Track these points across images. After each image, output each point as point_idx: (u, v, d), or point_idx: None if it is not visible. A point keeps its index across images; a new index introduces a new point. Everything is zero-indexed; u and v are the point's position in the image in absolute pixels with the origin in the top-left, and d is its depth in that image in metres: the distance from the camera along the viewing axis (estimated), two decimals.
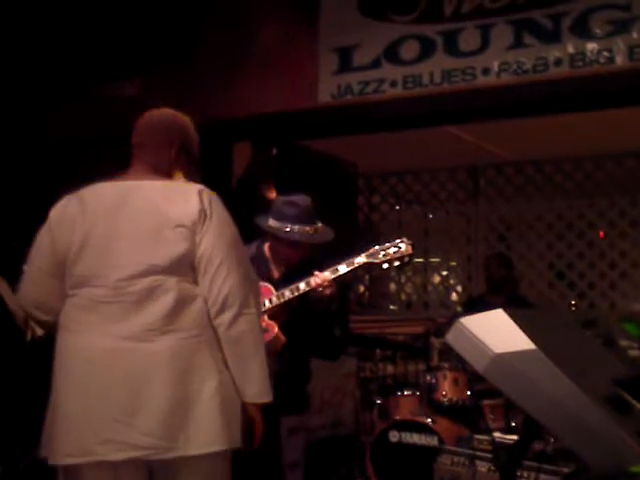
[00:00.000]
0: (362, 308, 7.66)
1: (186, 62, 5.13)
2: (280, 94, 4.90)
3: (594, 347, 2.01)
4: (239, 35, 5.03)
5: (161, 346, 2.20)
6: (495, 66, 4.35)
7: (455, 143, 6.26)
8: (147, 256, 2.26)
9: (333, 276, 3.20)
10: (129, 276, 2.24)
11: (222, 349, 2.28)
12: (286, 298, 3.23)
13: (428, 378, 4.56)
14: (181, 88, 4.92)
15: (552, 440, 3.07)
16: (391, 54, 4.63)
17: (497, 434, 3.86)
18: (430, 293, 7.74)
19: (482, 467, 3.65)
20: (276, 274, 3.40)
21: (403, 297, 7.84)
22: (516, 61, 4.31)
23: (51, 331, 2.37)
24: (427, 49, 4.53)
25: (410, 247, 3.23)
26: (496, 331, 1.59)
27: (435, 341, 4.73)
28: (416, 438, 4.28)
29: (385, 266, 3.24)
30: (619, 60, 4.07)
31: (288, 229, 3.28)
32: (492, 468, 3.60)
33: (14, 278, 2.44)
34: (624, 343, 2.15)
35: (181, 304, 2.24)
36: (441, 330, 4.64)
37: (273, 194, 4.94)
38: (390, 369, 5.79)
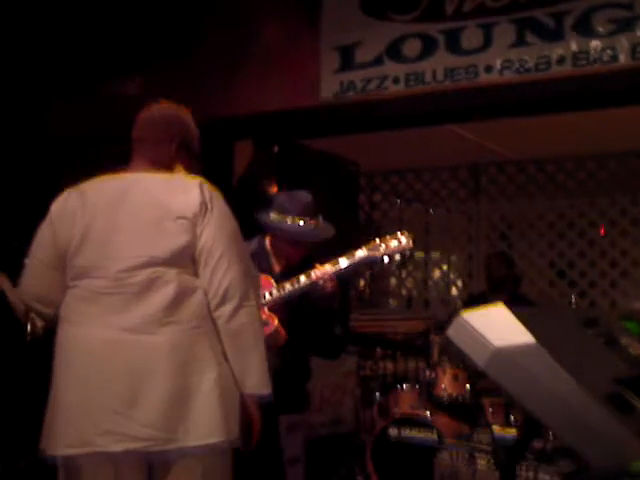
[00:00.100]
0: (362, 304, 7.66)
1: (187, 60, 5.13)
2: (281, 92, 4.90)
3: (595, 345, 2.01)
4: (240, 33, 5.03)
5: (161, 338, 2.21)
6: (498, 64, 4.35)
7: (457, 142, 6.25)
8: (148, 248, 2.26)
9: (334, 269, 3.20)
10: (130, 267, 2.24)
11: (221, 341, 2.28)
12: (287, 291, 3.22)
13: (428, 374, 4.57)
14: (182, 86, 4.92)
15: (552, 438, 3.07)
16: (393, 52, 4.63)
17: (496, 429, 3.86)
18: (430, 289, 7.74)
19: (482, 463, 3.65)
20: (277, 268, 3.40)
21: (404, 293, 7.85)
22: (519, 59, 4.30)
23: (52, 324, 2.38)
24: (429, 47, 4.53)
25: (410, 240, 3.23)
26: (497, 325, 1.59)
27: (435, 338, 4.73)
28: (415, 433, 4.29)
29: (386, 259, 3.24)
30: (622, 59, 4.07)
31: (289, 222, 3.28)
32: (492, 464, 3.60)
33: (15, 275, 2.45)
34: (625, 341, 2.15)
35: (181, 296, 2.25)
36: (441, 327, 4.64)
37: (274, 192, 4.94)
38: (390, 367, 5.79)
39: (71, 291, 2.32)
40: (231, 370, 2.28)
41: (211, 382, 2.23)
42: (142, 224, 2.28)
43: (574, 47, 4.19)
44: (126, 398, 2.17)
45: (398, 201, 7.74)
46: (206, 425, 2.21)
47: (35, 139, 5.41)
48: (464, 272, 7.62)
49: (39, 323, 2.40)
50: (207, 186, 2.33)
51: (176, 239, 2.26)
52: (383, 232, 3.30)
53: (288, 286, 3.23)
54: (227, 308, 2.26)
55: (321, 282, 3.17)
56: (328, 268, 3.19)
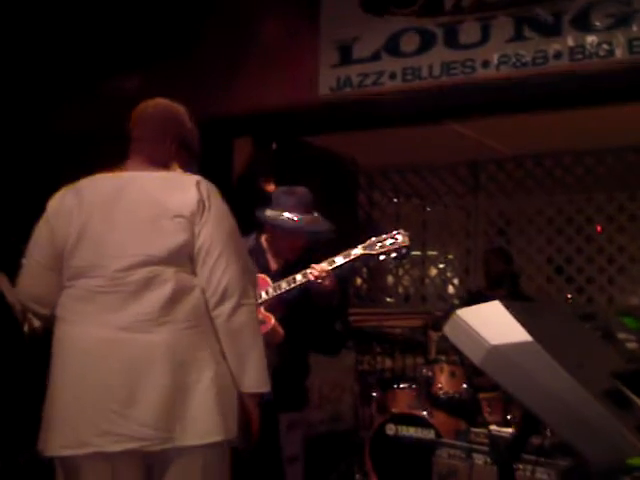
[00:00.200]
0: (360, 301, 7.67)
1: (187, 58, 5.13)
2: (280, 90, 4.89)
3: (592, 340, 2.01)
4: (240, 32, 5.02)
5: (158, 337, 2.20)
6: (495, 59, 4.34)
7: (456, 139, 6.26)
8: (145, 246, 2.25)
9: (330, 267, 3.19)
10: (127, 266, 2.23)
11: (219, 340, 2.27)
12: (283, 290, 3.21)
13: (425, 371, 4.56)
14: (182, 84, 4.92)
15: (549, 434, 3.07)
16: (391, 47, 4.62)
17: (494, 427, 3.87)
18: (427, 286, 7.74)
19: (479, 460, 3.65)
20: (274, 266, 3.39)
21: (401, 290, 7.85)
22: (515, 54, 4.30)
23: (49, 324, 2.37)
24: (427, 42, 4.52)
25: (407, 238, 3.22)
26: (493, 323, 1.59)
27: (433, 334, 4.73)
28: (413, 431, 4.29)
29: (382, 257, 3.24)
30: (619, 53, 4.06)
31: (284, 216, 3.27)
32: (489, 461, 3.59)
33: (14, 273, 2.44)
34: (622, 336, 2.15)
35: (179, 295, 2.24)
36: (439, 323, 4.64)
37: (273, 189, 4.94)
38: (388, 363, 5.79)
39: (67, 291, 2.31)
40: (229, 369, 2.27)
41: (208, 381, 2.22)
42: (139, 222, 2.27)
43: (571, 41, 4.18)
44: (123, 397, 2.16)
45: (395, 200, 7.75)
46: (204, 424, 2.19)
47: (36, 137, 5.40)
48: (461, 268, 7.62)
49: (36, 323, 2.40)
50: (204, 183, 2.32)
51: (173, 237, 2.25)
52: (381, 230, 3.29)
53: (284, 285, 3.22)
54: (226, 307, 2.25)
55: (317, 280, 3.17)
56: (324, 266, 3.19)
